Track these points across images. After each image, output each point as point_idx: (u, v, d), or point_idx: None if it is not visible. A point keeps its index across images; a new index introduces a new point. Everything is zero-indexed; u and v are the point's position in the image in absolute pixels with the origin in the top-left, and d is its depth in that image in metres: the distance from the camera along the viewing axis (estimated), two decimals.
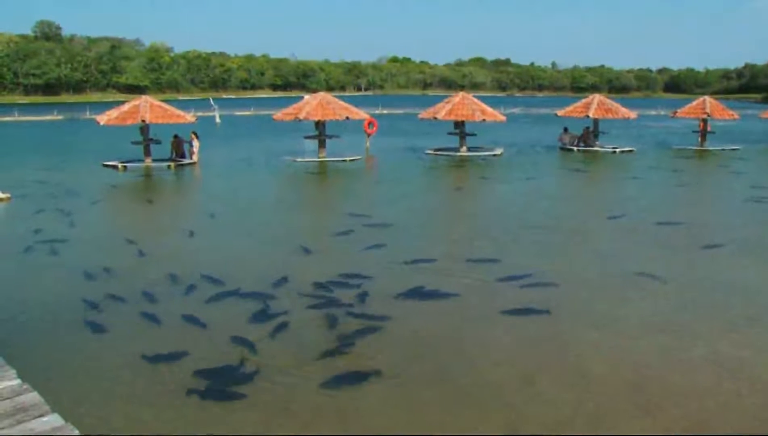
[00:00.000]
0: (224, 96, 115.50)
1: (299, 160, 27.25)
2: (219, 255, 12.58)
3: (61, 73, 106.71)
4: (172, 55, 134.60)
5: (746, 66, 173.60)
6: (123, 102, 29.19)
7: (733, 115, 37.27)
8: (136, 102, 26.58)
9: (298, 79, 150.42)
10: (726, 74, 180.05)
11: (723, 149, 34.98)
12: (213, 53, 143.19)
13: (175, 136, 26.93)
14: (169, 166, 25.83)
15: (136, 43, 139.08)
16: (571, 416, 6.57)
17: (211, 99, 70.36)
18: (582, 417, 6.55)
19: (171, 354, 7.79)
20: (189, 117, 27.22)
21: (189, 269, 11.34)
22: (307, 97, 30.51)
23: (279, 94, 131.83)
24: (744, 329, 8.88)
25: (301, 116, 26.97)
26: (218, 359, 7.72)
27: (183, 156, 26.94)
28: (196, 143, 27.25)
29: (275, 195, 21.00)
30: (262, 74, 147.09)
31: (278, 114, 28.68)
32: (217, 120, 56.09)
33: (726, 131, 41.60)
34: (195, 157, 27.06)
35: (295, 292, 10.18)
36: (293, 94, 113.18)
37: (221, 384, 7.17)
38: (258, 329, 8.66)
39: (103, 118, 25.94)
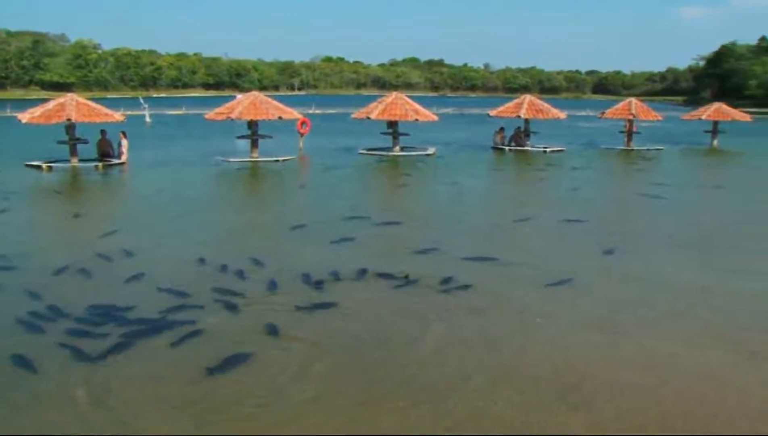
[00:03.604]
0: (155, 95, 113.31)
1: (231, 160, 26.93)
2: (140, 258, 12.30)
3: None
4: (99, 52, 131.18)
5: (669, 70, 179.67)
6: (47, 100, 28.28)
7: (657, 116, 38.64)
8: (62, 100, 25.73)
9: (230, 78, 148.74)
10: (650, 77, 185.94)
11: (648, 149, 36.38)
12: (143, 51, 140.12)
13: (102, 133, 26.21)
14: (96, 167, 25.15)
15: (61, 38, 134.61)
16: (501, 411, 6.67)
17: (141, 98, 68.87)
18: (511, 413, 6.65)
19: None
20: (117, 116, 26.53)
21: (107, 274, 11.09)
22: (239, 96, 30.18)
23: (211, 93, 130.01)
24: (667, 323, 9.18)
25: (233, 116, 26.66)
26: None
27: (111, 156, 26.27)
28: (124, 142, 26.60)
29: (204, 195, 20.63)
30: (194, 73, 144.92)
31: (210, 113, 28.26)
32: (148, 119, 54.91)
33: (650, 132, 43.10)
34: (124, 158, 26.43)
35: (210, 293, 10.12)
36: (226, 93, 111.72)
37: None
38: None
39: (25, 116, 24.99)
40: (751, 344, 8.43)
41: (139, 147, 30.16)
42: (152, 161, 27.86)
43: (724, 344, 8.48)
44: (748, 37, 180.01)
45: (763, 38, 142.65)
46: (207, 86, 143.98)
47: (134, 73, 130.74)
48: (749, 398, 7.04)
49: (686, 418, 6.61)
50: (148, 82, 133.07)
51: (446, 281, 10.90)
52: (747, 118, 41.63)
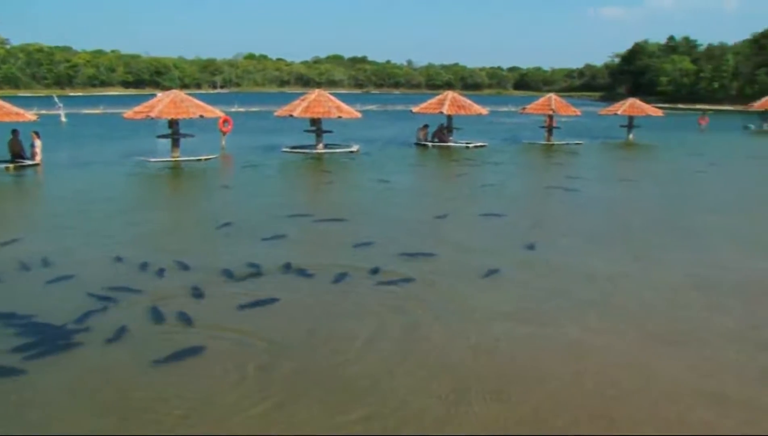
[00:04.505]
0: (71, 93, 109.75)
1: (152, 160, 26.34)
2: (56, 262, 11.94)
3: None
4: (8, 47, 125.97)
5: (587, 66, 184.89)
6: None
7: (576, 111, 39.90)
8: None
9: (151, 76, 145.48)
10: (569, 74, 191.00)
11: (567, 143, 37.52)
12: (57, 48, 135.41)
13: (13, 133, 25.23)
14: (7, 169, 24.18)
15: None
16: (425, 406, 6.76)
17: (55, 96, 66.51)
18: (438, 405, 6.74)
19: None
20: (29, 115, 25.56)
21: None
22: (159, 94, 29.56)
23: (131, 91, 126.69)
24: (588, 313, 9.48)
25: (153, 115, 26.10)
26: None
27: (23, 157, 25.32)
28: (38, 143, 25.66)
29: (124, 196, 20.08)
30: (113, 71, 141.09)
31: (129, 112, 27.55)
32: (63, 119, 53.06)
33: (570, 127, 44.37)
34: (38, 159, 25.52)
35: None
36: (146, 91, 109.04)
37: None
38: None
39: None
40: (668, 332, 8.80)
41: (55, 148, 29.16)
42: (68, 162, 27.00)
43: (642, 332, 8.80)
44: (658, 36, 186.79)
45: (671, 37, 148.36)
46: (126, 84, 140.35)
47: (47, 71, 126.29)
48: (669, 383, 7.31)
49: (608, 405, 6.81)
50: (63, 80, 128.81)
51: (374, 271, 11.11)
52: (659, 113, 43.45)
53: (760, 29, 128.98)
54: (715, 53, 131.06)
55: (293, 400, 6.84)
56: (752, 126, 56.62)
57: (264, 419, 6.50)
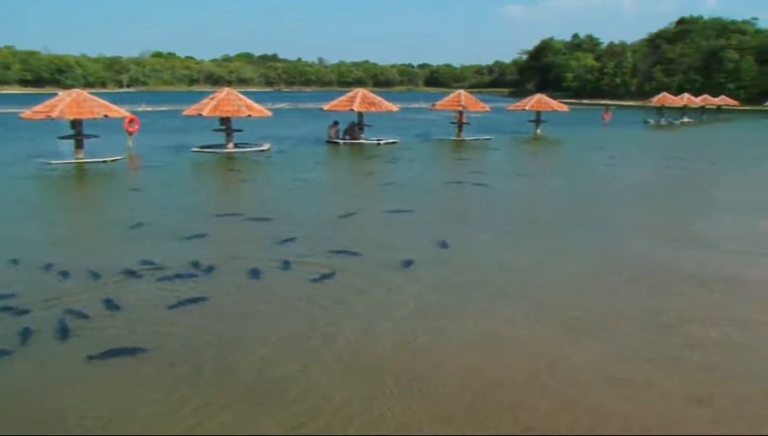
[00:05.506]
0: None
1: (54, 162, 25.31)
2: None
3: None
4: None
5: (496, 63, 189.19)
6: None
7: (485, 107, 40.79)
8: None
9: (52, 74, 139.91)
10: (479, 70, 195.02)
11: (477, 139, 38.31)
12: None
13: None
14: None
15: None
16: (346, 402, 6.77)
17: None
18: (357, 403, 6.77)
19: None
20: None
21: None
22: (61, 93, 28.47)
23: (30, 90, 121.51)
24: (502, 305, 9.68)
25: (54, 115, 25.09)
26: None
27: None
28: None
29: (23, 200, 19.10)
30: (8, 68, 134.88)
31: (27, 112, 26.38)
32: None
33: (480, 122, 45.25)
34: None
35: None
36: (47, 90, 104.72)
37: None
38: None
39: None
40: (578, 320, 9.09)
41: None
42: None
43: (553, 321, 9.07)
44: (563, 34, 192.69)
45: (575, 35, 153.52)
46: (25, 83, 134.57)
47: None
48: (577, 370, 7.56)
49: (523, 394, 6.98)
50: None
51: (285, 265, 11.14)
52: (565, 108, 44.84)
53: (655, 29, 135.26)
54: (616, 51, 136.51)
55: (208, 402, 6.74)
56: (651, 121, 59.98)
57: (182, 422, 6.38)
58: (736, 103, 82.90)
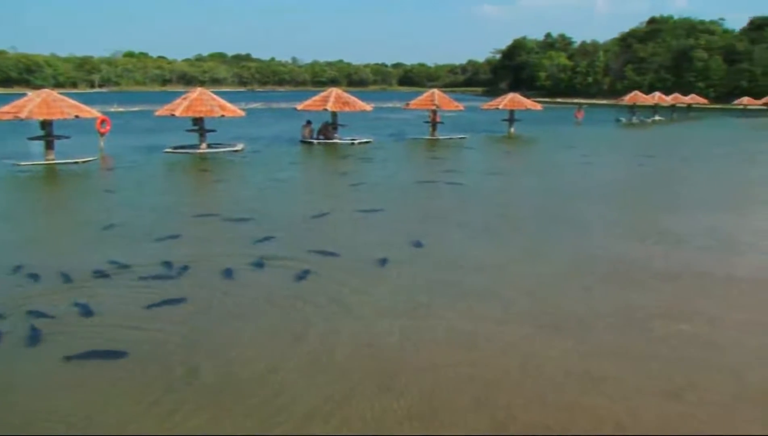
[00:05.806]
0: None
1: (23, 163, 24.97)
2: None
3: None
4: None
5: (470, 62, 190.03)
6: None
7: (459, 106, 40.89)
8: None
9: (20, 74, 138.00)
10: (453, 69, 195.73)
11: (451, 138, 38.47)
12: None
13: None
14: None
15: None
16: (321, 402, 6.74)
17: None
18: (330, 403, 6.74)
19: None
20: None
21: None
22: (30, 94, 28.07)
23: None
24: (475, 304, 9.69)
25: (23, 115, 24.75)
26: None
27: None
28: None
29: None
30: None
31: None
32: None
33: (454, 121, 45.39)
34: None
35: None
36: (15, 90, 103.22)
37: None
38: None
39: None
40: (551, 317, 9.15)
41: None
42: None
43: (527, 318, 9.11)
44: (537, 33, 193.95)
45: (548, 34, 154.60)
46: None
47: None
48: (550, 367, 7.59)
49: (495, 391, 6.99)
50: None
51: (259, 265, 11.14)
52: (538, 107, 45.15)
53: (626, 29, 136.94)
54: (589, 50, 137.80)
55: (180, 404, 6.67)
56: (623, 119, 60.61)
57: (155, 424, 6.32)
58: (705, 101, 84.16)
